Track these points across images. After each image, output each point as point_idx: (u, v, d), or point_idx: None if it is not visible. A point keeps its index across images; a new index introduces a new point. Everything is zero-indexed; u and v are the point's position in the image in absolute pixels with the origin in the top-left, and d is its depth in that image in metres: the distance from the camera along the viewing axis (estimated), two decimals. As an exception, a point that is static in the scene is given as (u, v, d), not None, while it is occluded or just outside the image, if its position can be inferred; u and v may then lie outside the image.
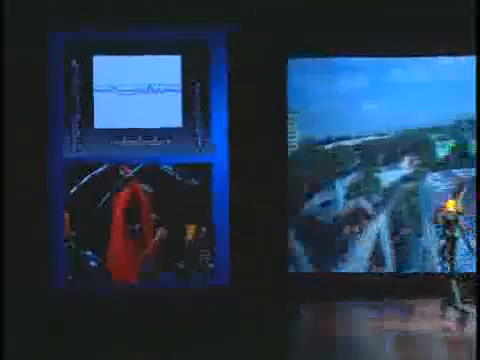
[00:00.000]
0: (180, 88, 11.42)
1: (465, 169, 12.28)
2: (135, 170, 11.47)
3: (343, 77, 12.21)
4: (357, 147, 12.53)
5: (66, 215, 11.55)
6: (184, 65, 11.38)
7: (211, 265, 11.51)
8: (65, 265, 11.38)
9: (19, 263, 10.01)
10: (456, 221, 10.59)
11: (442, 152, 12.40)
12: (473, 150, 12.25)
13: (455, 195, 11.23)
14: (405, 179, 12.54)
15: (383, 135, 12.43)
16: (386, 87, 12.27)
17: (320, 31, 11.45)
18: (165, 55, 11.34)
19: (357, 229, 12.43)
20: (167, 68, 11.38)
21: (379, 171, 12.54)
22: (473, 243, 10.74)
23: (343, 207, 12.49)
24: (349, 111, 12.27)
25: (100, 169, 11.39)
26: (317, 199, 12.53)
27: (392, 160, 12.57)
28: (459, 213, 10.74)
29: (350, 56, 12.14)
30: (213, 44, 11.41)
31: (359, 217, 12.52)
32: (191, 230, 11.56)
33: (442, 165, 12.36)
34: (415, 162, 12.49)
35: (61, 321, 9.72)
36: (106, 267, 11.48)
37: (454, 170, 12.31)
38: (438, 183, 12.35)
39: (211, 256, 11.57)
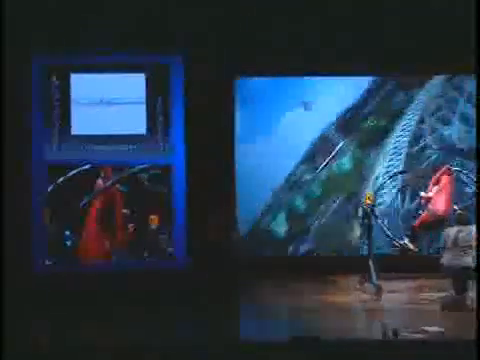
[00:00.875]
0: (144, 101, 11.78)
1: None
2: (116, 178, 11.85)
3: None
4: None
5: (46, 210, 11.72)
6: (148, 82, 11.75)
7: (170, 249, 11.84)
8: (44, 248, 11.63)
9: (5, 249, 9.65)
10: (372, 211, 11.06)
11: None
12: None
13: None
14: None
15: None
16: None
17: (267, 53, 11.66)
18: (132, 73, 11.73)
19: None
20: (133, 84, 11.76)
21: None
22: (386, 229, 11.42)
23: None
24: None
25: (82, 168, 11.73)
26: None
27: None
28: (374, 205, 11.18)
29: (296, 76, 12.48)
30: (172, 65, 11.74)
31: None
32: (154, 220, 11.90)
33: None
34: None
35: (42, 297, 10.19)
36: (79, 251, 11.78)
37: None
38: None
39: (169, 241, 11.87)
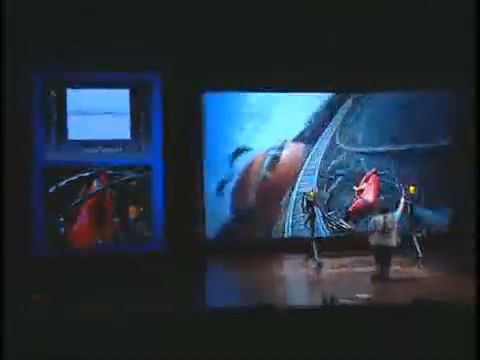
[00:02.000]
0: (129, 112, 11.90)
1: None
2: (108, 183, 11.83)
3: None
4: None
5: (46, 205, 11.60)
6: (131, 96, 11.89)
7: (148, 233, 11.94)
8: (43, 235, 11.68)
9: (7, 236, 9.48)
10: (314, 203, 11.73)
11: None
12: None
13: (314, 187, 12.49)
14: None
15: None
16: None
17: (234, 70, 11.71)
18: (118, 89, 11.81)
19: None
20: (120, 98, 11.82)
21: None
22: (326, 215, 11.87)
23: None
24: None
25: (75, 177, 11.70)
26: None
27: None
28: (316, 198, 11.85)
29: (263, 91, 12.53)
30: (152, 81, 11.87)
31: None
32: (135, 211, 11.98)
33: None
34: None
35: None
36: (72, 239, 11.76)
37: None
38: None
39: (148, 229, 11.95)
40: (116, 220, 11.92)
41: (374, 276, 10.31)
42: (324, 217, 11.89)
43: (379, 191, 12.31)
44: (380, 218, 10.42)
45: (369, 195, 12.37)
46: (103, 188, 11.89)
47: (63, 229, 11.73)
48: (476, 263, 9.68)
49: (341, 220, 12.25)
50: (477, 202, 11.30)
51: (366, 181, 12.43)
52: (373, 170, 12.54)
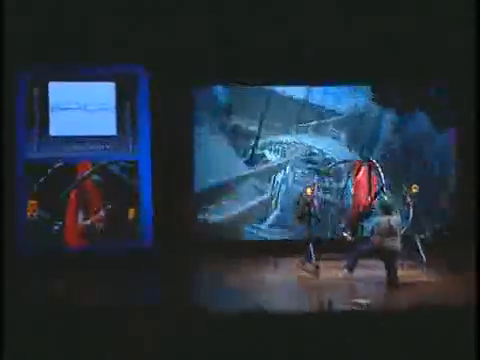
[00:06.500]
0: (115, 106, 11.86)
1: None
2: (92, 169, 11.90)
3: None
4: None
5: (33, 202, 11.70)
6: (117, 90, 11.85)
7: (138, 230, 12.03)
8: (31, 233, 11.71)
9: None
10: (312, 201, 11.30)
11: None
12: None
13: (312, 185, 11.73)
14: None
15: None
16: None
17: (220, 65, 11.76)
18: (103, 82, 11.78)
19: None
20: (105, 92, 11.79)
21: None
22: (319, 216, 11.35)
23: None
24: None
25: (59, 164, 11.76)
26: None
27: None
28: (313, 196, 11.39)
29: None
30: (139, 75, 11.88)
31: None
32: (132, 213, 12.10)
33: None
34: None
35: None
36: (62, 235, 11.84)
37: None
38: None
39: (137, 225, 12.08)
40: (101, 217, 12.01)
41: (389, 282, 10.05)
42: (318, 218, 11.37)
43: (370, 187, 11.66)
44: (384, 220, 10.12)
45: (360, 197, 11.71)
46: (88, 186, 11.94)
47: (47, 228, 11.81)
48: (476, 264, 9.51)
49: (343, 232, 11.72)
50: (477, 203, 11.23)
51: (356, 174, 11.83)
52: (358, 161, 12.16)
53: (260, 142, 12.98)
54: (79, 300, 8.79)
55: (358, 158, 12.47)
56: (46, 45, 11.14)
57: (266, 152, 13.02)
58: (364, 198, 11.58)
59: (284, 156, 13.02)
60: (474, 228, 11.06)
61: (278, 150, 13.03)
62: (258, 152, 12.98)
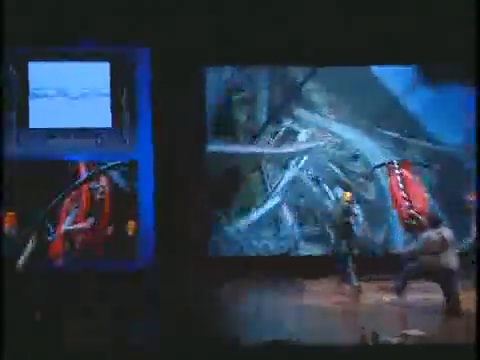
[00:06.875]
0: (109, 92, 11.41)
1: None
2: (97, 169, 11.44)
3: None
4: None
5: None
6: (112, 72, 11.42)
7: (137, 248, 11.51)
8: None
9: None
10: (349, 209, 10.88)
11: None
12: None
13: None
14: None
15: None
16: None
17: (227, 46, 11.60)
18: (95, 62, 11.36)
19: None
20: (97, 74, 11.34)
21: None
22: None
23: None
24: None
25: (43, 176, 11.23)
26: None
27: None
28: (351, 202, 10.96)
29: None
30: (138, 55, 11.47)
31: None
32: (131, 226, 11.56)
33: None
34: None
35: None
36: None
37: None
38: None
39: (137, 243, 11.55)
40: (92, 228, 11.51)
41: (449, 309, 9.35)
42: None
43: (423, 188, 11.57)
44: (433, 235, 9.42)
45: (417, 201, 11.36)
46: (78, 189, 11.51)
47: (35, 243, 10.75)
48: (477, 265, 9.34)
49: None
50: (477, 204, 10.91)
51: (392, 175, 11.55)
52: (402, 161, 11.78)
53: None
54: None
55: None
56: (46, 45, 11.29)
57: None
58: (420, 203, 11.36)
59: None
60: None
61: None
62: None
